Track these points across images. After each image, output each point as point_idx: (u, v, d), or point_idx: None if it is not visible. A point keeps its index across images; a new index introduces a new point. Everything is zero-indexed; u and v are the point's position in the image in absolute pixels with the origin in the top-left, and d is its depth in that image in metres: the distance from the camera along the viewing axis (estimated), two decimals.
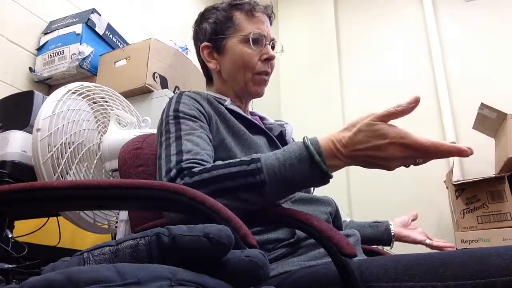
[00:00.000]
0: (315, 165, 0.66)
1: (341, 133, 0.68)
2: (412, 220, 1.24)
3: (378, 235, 1.13)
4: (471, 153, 0.64)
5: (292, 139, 1.06)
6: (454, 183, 2.12)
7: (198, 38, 1.06)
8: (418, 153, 0.64)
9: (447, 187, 2.26)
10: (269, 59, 0.99)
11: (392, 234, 1.14)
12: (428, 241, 1.18)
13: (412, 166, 0.66)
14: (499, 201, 1.95)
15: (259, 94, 1.02)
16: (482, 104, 2.10)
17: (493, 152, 2.23)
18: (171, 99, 0.91)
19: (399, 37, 3.05)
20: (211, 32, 1.02)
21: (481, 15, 2.80)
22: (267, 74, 1.01)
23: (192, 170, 0.71)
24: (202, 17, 1.05)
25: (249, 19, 1.00)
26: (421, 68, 2.88)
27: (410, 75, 2.91)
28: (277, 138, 0.98)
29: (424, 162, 0.66)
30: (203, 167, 0.71)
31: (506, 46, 2.66)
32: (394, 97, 2.90)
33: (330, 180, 0.68)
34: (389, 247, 1.17)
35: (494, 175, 2.05)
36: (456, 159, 2.49)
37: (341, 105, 3.02)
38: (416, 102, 0.66)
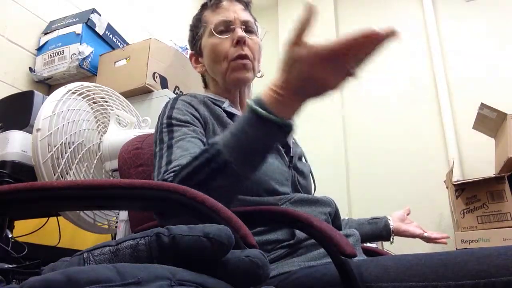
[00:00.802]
0: (265, 120, 0.62)
1: (277, 77, 0.64)
2: (407, 214, 1.25)
3: (378, 232, 1.14)
4: (395, 32, 0.59)
5: (293, 139, 1.05)
6: (454, 183, 2.12)
7: (189, 46, 1.08)
8: (336, 58, 0.59)
9: (447, 187, 2.26)
10: (239, 42, 0.94)
11: (392, 229, 1.14)
12: (426, 234, 1.20)
13: (354, 78, 0.63)
14: (499, 201, 1.96)
15: (241, 80, 0.97)
16: (482, 104, 2.11)
17: (493, 152, 2.23)
18: (166, 104, 0.91)
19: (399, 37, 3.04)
20: (191, 40, 1.05)
21: (481, 15, 2.80)
22: (244, 57, 0.95)
23: (169, 180, 0.70)
24: (189, 28, 1.07)
25: (214, 12, 0.99)
26: (421, 68, 2.88)
27: (410, 75, 2.92)
28: None
29: (361, 65, 0.62)
30: (174, 173, 0.70)
31: (506, 46, 2.66)
32: (394, 97, 2.91)
33: (293, 127, 0.64)
34: (389, 243, 1.17)
35: (494, 175, 2.05)
36: (456, 159, 2.50)
37: (341, 105, 3.02)
38: (310, 12, 0.61)
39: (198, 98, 0.93)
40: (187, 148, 0.79)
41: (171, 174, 0.71)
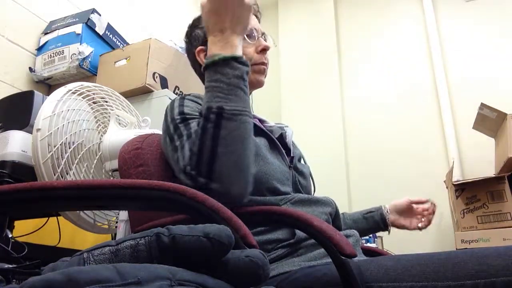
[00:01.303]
0: (223, 61, 0.76)
1: (207, 33, 0.80)
2: (417, 203, 1.23)
3: (374, 226, 1.16)
4: None
5: (293, 142, 1.05)
6: (454, 183, 2.12)
7: (192, 45, 1.07)
8: None
9: (447, 187, 2.26)
10: (265, 50, 1.01)
11: (388, 222, 1.17)
12: (420, 225, 1.20)
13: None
14: (499, 201, 1.96)
15: (260, 83, 1.03)
16: (482, 104, 2.11)
17: (493, 152, 2.23)
18: (172, 103, 0.91)
19: (399, 37, 3.05)
20: (205, 35, 1.04)
21: (481, 14, 2.80)
22: (265, 64, 1.02)
23: (190, 164, 0.72)
24: (193, 26, 1.09)
25: None
26: (421, 68, 2.89)
27: (410, 75, 2.92)
28: (278, 139, 0.98)
29: None
30: (192, 158, 0.73)
31: (506, 46, 2.66)
32: (394, 97, 2.91)
33: (242, 56, 0.77)
34: (387, 233, 1.18)
35: (494, 175, 2.05)
36: (456, 159, 2.50)
37: (341, 105, 3.02)
38: None
39: (202, 98, 0.94)
40: None
41: (189, 162, 0.73)
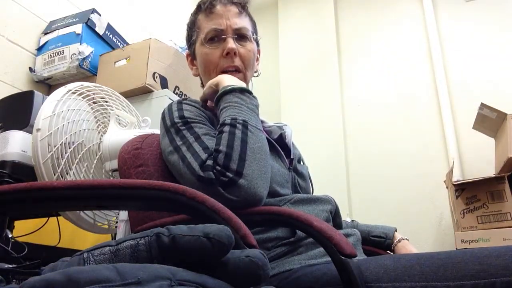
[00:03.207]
0: (242, 90, 0.85)
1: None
2: None
3: (379, 247, 1.07)
4: None
5: (292, 142, 1.05)
6: (454, 183, 2.12)
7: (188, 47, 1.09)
8: None
9: (447, 187, 2.26)
10: (229, 53, 0.94)
11: (393, 249, 1.06)
12: None
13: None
14: (499, 201, 1.95)
15: None
16: (482, 104, 2.10)
17: (493, 152, 2.23)
18: (169, 107, 0.91)
19: (399, 37, 3.04)
20: (187, 40, 1.06)
21: (481, 15, 2.80)
22: (235, 69, 0.95)
23: (215, 160, 0.74)
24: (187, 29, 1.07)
25: (207, 18, 0.98)
26: (421, 68, 2.88)
27: (410, 75, 2.91)
28: (277, 141, 0.97)
29: None
30: (213, 154, 0.76)
31: (506, 46, 2.66)
32: (394, 97, 2.90)
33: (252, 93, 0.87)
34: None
35: (494, 175, 2.04)
36: (456, 159, 2.50)
37: (341, 105, 3.02)
38: None
39: (199, 102, 0.94)
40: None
41: (212, 159, 0.75)
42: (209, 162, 0.73)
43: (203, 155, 0.75)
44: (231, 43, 0.94)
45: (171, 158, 0.82)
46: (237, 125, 0.76)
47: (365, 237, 1.07)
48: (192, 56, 1.05)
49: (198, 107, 0.91)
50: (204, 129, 0.84)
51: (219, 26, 0.95)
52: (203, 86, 1.06)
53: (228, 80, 0.87)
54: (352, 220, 1.14)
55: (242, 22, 0.98)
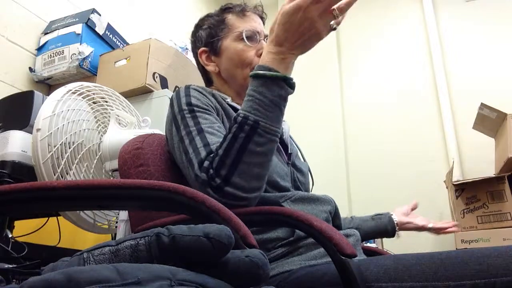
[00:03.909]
0: (274, 78, 0.75)
1: (270, 39, 0.77)
2: (412, 209, 1.24)
3: (382, 227, 1.13)
4: None
5: (290, 137, 1.06)
6: (454, 183, 2.12)
7: (195, 46, 1.09)
8: (316, 4, 0.70)
9: (447, 187, 2.26)
10: None
11: (396, 222, 1.14)
12: (430, 225, 1.18)
13: (335, 28, 0.75)
14: (499, 201, 1.96)
15: None
16: (482, 104, 2.10)
17: (493, 152, 2.23)
18: (177, 93, 0.92)
19: (399, 37, 3.04)
20: (207, 37, 1.06)
21: (481, 15, 2.80)
22: None
23: (207, 164, 0.75)
24: (197, 27, 1.09)
25: (240, 19, 1.04)
26: (421, 68, 2.88)
27: (410, 75, 2.92)
28: None
29: (342, 13, 0.73)
30: (213, 154, 0.76)
31: (506, 46, 2.66)
32: (394, 97, 2.91)
33: (293, 79, 0.77)
34: (396, 237, 1.16)
35: (494, 175, 2.05)
36: (456, 159, 2.50)
37: (341, 105, 3.02)
38: None
39: (206, 90, 0.96)
40: (220, 136, 0.82)
41: (209, 159, 0.76)
42: (206, 163, 0.75)
43: (203, 153, 0.77)
44: None
45: (176, 148, 0.84)
46: (245, 127, 0.74)
47: (365, 218, 1.14)
48: (211, 52, 1.06)
49: (206, 94, 0.92)
50: (208, 122, 0.84)
51: (256, 28, 1.02)
52: (209, 81, 1.09)
53: (267, 57, 0.77)
54: (352, 216, 1.14)
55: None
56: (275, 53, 0.75)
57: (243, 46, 1.00)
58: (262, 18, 1.07)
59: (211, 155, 0.76)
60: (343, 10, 0.72)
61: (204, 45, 1.06)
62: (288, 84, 0.76)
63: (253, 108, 0.75)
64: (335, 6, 0.71)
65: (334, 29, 0.74)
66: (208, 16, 1.08)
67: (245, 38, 1.00)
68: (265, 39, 1.02)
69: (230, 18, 1.04)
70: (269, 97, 0.75)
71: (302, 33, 0.73)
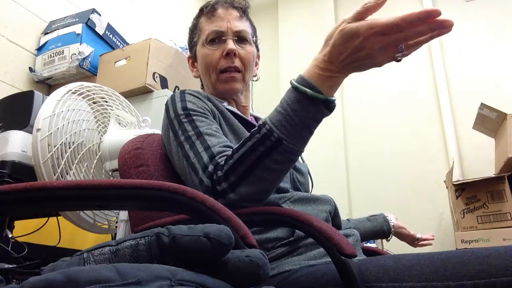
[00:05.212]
0: (313, 99, 0.67)
1: (322, 52, 0.69)
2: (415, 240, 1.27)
3: (378, 227, 1.15)
4: (451, 25, 0.60)
5: None
6: (454, 183, 2.12)
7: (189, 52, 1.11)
8: (392, 35, 0.63)
9: (447, 187, 2.26)
10: (229, 54, 0.96)
11: (392, 224, 1.16)
12: (418, 235, 1.25)
13: (403, 59, 0.65)
14: (499, 201, 1.95)
15: (230, 92, 0.99)
16: (482, 104, 2.10)
17: (493, 152, 2.23)
18: (172, 98, 0.91)
19: None
20: (188, 43, 1.08)
21: (481, 15, 2.80)
22: (234, 69, 0.97)
23: (220, 163, 0.74)
24: (188, 32, 1.09)
25: (209, 20, 1.01)
26: (421, 68, 2.88)
27: (410, 75, 2.91)
28: None
29: (409, 50, 0.64)
30: (226, 156, 0.74)
31: (506, 46, 2.66)
32: (394, 97, 2.90)
33: (335, 101, 0.69)
34: (387, 240, 1.19)
35: (494, 175, 2.04)
36: (456, 159, 2.50)
37: (341, 105, 3.02)
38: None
39: (202, 94, 0.95)
40: (219, 137, 0.81)
41: (223, 158, 0.74)
42: (211, 167, 0.74)
43: (205, 157, 0.76)
44: (231, 44, 0.97)
45: (175, 153, 0.83)
46: (267, 142, 0.69)
47: (362, 221, 1.14)
48: (193, 59, 1.07)
49: (201, 98, 0.92)
50: (206, 124, 0.84)
51: (220, 28, 0.98)
52: (203, 87, 1.07)
53: (313, 71, 0.68)
54: (348, 219, 1.15)
55: (243, 25, 1.01)
56: (322, 69, 0.67)
57: (206, 51, 0.98)
58: (238, 8, 1.01)
59: (216, 158, 0.75)
60: (411, 47, 0.65)
61: (189, 51, 1.08)
62: (326, 107, 0.68)
63: (281, 124, 0.68)
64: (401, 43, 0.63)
65: (399, 60, 0.65)
66: (193, 19, 1.08)
67: (205, 43, 0.98)
68: (235, 36, 0.97)
69: (201, 21, 1.03)
70: (302, 117, 0.68)
71: (356, 59, 0.65)
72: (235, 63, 0.97)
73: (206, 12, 1.01)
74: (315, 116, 0.69)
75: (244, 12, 1.03)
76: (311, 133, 0.71)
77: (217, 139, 0.80)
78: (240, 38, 1.00)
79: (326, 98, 0.67)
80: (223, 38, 0.97)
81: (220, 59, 0.96)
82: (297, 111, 0.68)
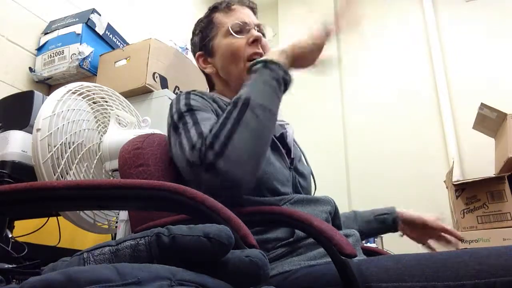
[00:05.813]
0: (265, 64, 0.82)
1: (289, 47, 0.89)
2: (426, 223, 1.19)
3: (386, 229, 1.14)
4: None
5: (294, 140, 1.05)
6: (454, 183, 2.12)
7: (194, 52, 1.10)
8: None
9: (447, 187, 2.26)
10: (256, 40, 0.99)
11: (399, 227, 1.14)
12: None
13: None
14: (499, 201, 1.95)
15: None
16: (482, 104, 2.10)
17: (493, 152, 2.23)
18: (178, 97, 0.91)
19: (399, 37, 3.04)
20: (200, 41, 1.07)
21: (481, 15, 2.80)
22: (260, 56, 0.98)
23: (206, 138, 0.74)
24: (192, 34, 1.10)
25: (227, 14, 1.03)
26: (421, 68, 2.89)
27: (410, 75, 2.92)
28: (278, 139, 0.97)
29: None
30: (204, 135, 0.76)
31: (506, 46, 2.66)
32: (394, 97, 2.91)
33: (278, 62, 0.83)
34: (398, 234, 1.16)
35: (494, 175, 2.05)
36: (456, 159, 2.50)
37: (341, 105, 3.02)
38: None
39: (207, 95, 0.95)
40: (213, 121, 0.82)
41: (201, 139, 0.75)
42: (199, 143, 0.73)
43: (195, 137, 0.76)
44: (257, 32, 1.01)
45: (173, 146, 0.83)
46: (238, 103, 0.76)
47: (369, 218, 1.13)
48: (206, 55, 1.06)
49: (206, 98, 0.92)
50: (206, 115, 0.84)
51: (243, 19, 1.01)
52: (211, 85, 1.08)
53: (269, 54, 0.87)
54: (354, 212, 1.15)
55: (258, 21, 1.06)
56: (281, 55, 0.85)
57: (232, 40, 0.99)
58: (251, 8, 1.06)
59: (203, 135, 0.75)
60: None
61: (199, 49, 1.07)
62: (276, 65, 0.82)
63: (244, 91, 0.79)
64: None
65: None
66: (199, 21, 1.09)
67: (232, 32, 0.99)
68: (256, 28, 1.02)
69: (217, 16, 1.04)
70: (260, 79, 0.80)
71: (305, 57, 0.90)
72: (260, 50, 1.00)
73: (222, 8, 1.04)
74: (271, 74, 0.81)
75: (253, 11, 1.07)
76: (275, 91, 0.81)
77: (210, 122, 0.80)
78: (260, 31, 1.03)
79: (270, 59, 0.83)
80: (247, 28, 1.00)
81: (246, 47, 0.98)
82: (255, 78, 0.81)
